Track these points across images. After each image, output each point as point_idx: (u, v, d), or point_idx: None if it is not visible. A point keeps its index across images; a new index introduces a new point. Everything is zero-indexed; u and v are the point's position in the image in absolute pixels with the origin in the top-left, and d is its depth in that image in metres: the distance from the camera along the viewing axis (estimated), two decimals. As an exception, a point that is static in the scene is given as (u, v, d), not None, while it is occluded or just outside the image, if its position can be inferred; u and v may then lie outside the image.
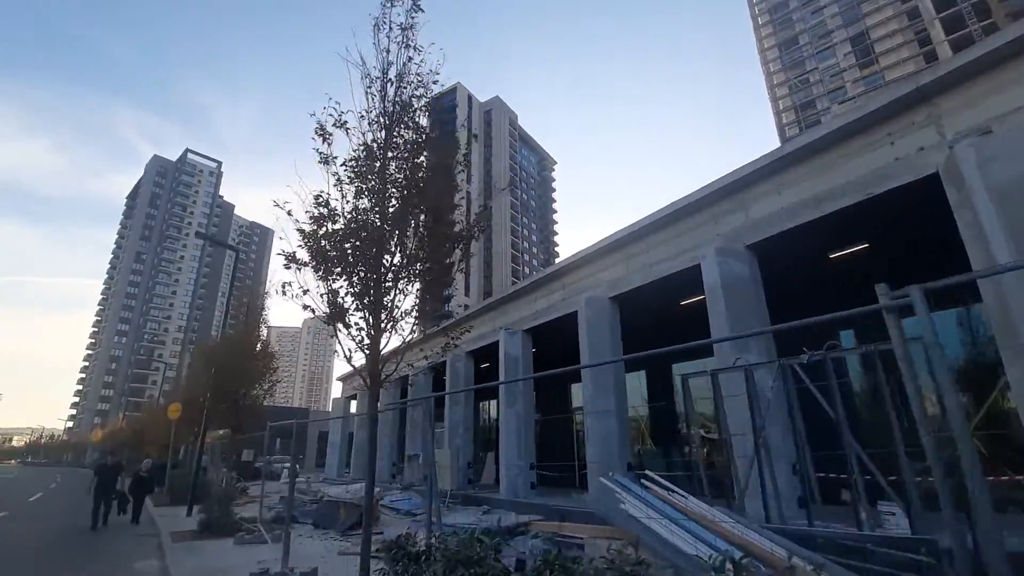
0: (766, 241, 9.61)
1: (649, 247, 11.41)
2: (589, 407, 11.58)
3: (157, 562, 9.00)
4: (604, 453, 11.14)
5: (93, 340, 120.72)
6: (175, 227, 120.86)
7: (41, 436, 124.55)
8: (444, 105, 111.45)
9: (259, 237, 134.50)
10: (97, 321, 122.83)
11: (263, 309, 13.24)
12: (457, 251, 5.56)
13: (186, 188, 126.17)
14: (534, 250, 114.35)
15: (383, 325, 5.17)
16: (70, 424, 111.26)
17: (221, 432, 22.27)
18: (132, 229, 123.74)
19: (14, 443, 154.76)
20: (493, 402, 24.41)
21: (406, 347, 5.45)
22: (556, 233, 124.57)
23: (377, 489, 13.90)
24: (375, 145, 5.47)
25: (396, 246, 5.29)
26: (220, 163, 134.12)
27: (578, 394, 19.66)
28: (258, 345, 13.02)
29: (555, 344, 15.85)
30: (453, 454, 15.25)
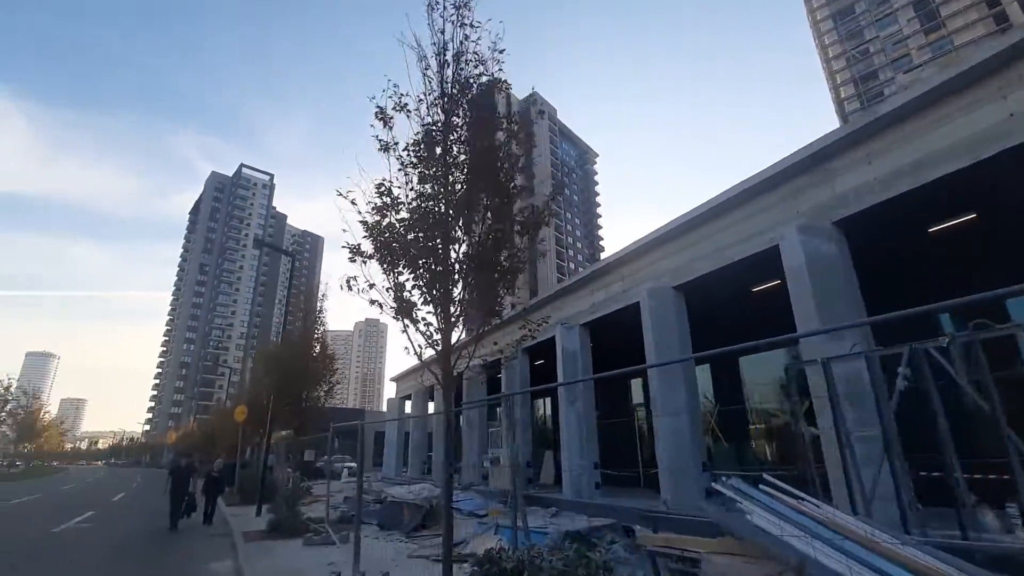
0: (855, 216, 8.68)
1: (718, 230, 10.61)
2: (658, 405, 10.92)
3: (231, 562, 9.08)
4: (676, 453, 10.47)
5: (164, 348, 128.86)
6: (233, 239, 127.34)
7: (123, 439, 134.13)
8: (481, 103, 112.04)
9: (311, 245, 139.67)
10: (168, 330, 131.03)
11: (321, 311, 13.34)
12: (526, 238, 5.13)
13: (242, 201, 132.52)
14: (579, 245, 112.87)
15: (453, 319, 4.82)
16: (147, 427, 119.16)
17: (284, 433, 22.93)
18: (195, 243, 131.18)
19: (99, 445, 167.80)
20: (547, 400, 23.96)
21: (476, 341, 5.07)
22: (600, 227, 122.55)
23: (437, 489, 13.73)
24: (435, 129, 5.12)
25: (463, 234, 4.92)
26: (272, 176, 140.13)
27: (638, 390, 18.93)
28: (317, 347, 13.11)
29: (613, 338, 15.22)
30: (512, 454, 14.90)
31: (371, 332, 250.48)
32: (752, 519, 3.28)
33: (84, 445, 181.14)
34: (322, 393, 13.05)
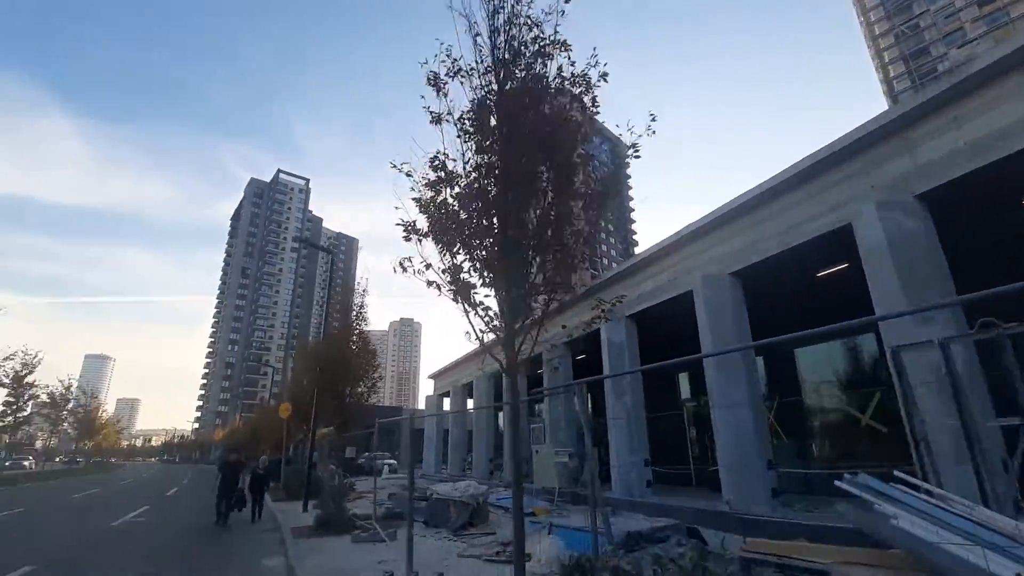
0: (940, 190, 7.84)
1: (781, 210, 9.87)
2: (716, 398, 10.27)
3: (282, 559, 8.99)
4: (738, 450, 9.81)
5: (211, 349, 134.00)
6: (273, 242, 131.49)
7: (174, 436, 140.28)
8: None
9: (346, 246, 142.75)
10: (213, 332, 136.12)
11: (362, 306, 13.22)
12: (591, 214, 4.67)
13: (279, 206, 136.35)
14: (612, 240, 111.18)
15: (515, 302, 4.42)
16: (196, 425, 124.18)
17: (325, 430, 23.14)
18: (236, 247, 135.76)
19: (153, 443, 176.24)
20: (587, 396, 23.40)
21: (540, 325, 4.65)
22: (633, 221, 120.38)
23: (483, 487, 13.41)
24: (489, 98, 4.72)
25: (523, 211, 4.51)
26: (308, 180, 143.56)
27: (687, 384, 18.16)
28: (359, 342, 12.99)
29: (659, 330, 14.57)
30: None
31: (405, 331, 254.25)
32: (900, 524, 2.75)
33: (139, 443, 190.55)
34: (365, 389, 12.93)
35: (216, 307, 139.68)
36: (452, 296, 4.44)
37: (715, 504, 10.49)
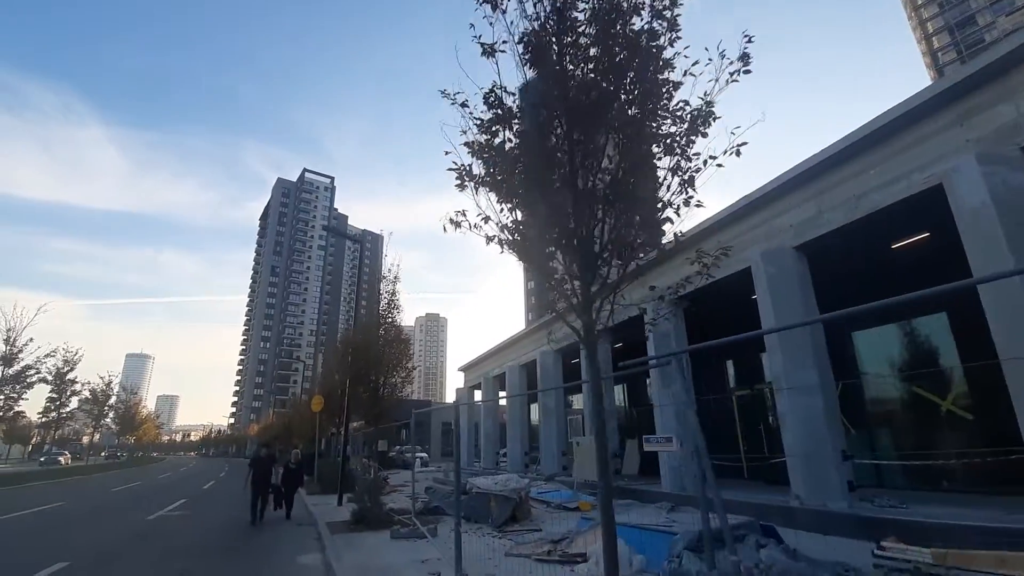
0: (1054, 138, 6.79)
1: (855, 173, 8.85)
2: (782, 383, 9.36)
3: (319, 556, 8.53)
4: (808, 439, 8.90)
5: (244, 347, 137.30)
6: (300, 241, 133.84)
7: (211, 432, 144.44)
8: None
9: (371, 243, 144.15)
10: (245, 330, 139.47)
11: (394, 294, 12.69)
12: (675, 157, 3.91)
13: (306, 204, 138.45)
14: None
15: (588, 260, 3.71)
16: (231, 420, 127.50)
17: (355, 424, 22.83)
18: (265, 247, 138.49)
19: (192, 437, 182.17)
20: (624, 386, 22.53)
21: (620, 286, 3.93)
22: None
23: (525, 481, 12.78)
24: (549, 23, 3.99)
25: (594, 152, 3.78)
26: (333, 178, 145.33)
27: (736, 372, 17.21)
28: (391, 332, 12.47)
29: (709, 312, 13.64)
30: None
31: (431, 327, 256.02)
32: None
33: (178, 438, 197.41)
34: (399, 380, 12.42)
35: (248, 305, 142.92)
36: (516, 254, 3.75)
37: (777, 498, 9.61)
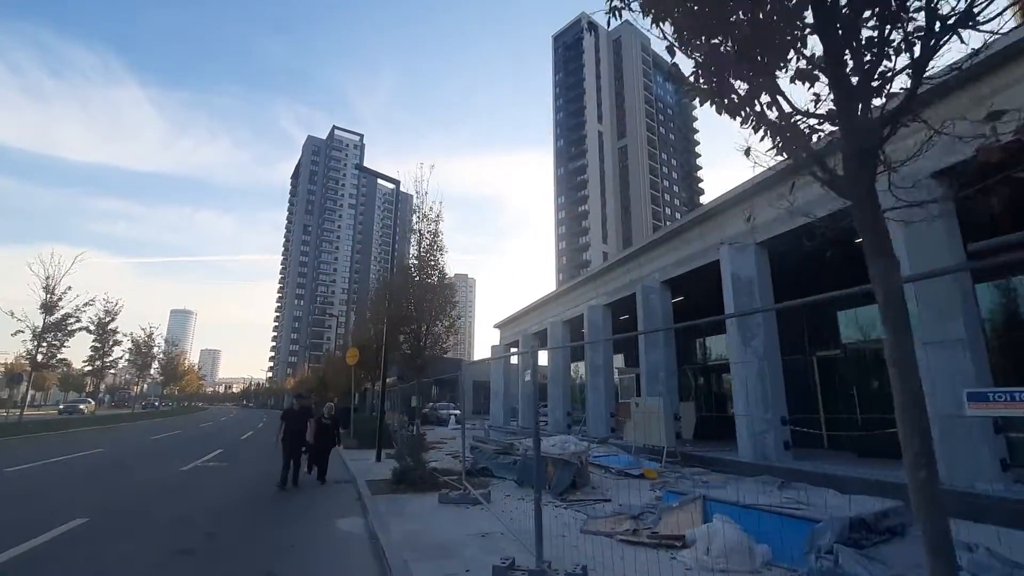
0: None
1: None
2: (926, 334, 7.57)
3: (360, 521, 7.50)
4: (951, 405, 7.21)
5: (279, 303, 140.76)
6: (332, 199, 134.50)
7: (251, 384, 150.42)
8: (567, 41, 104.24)
9: (400, 202, 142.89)
10: (280, 287, 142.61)
11: (436, 235, 11.27)
12: None
13: (336, 163, 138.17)
14: (676, 188, 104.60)
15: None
16: (269, 374, 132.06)
17: (391, 379, 22.04)
18: (297, 205, 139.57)
19: (234, 390, 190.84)
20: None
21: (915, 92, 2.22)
22: (700, 168, 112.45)
23: (583, 444, 11.53)
24: None
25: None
26: (362, 135, 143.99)
27: (816, 329, 15.33)
28: (434, 275, 11.11)
29: (792, 261, 11.77)
30: (666, 404, 12.16)
31: (460, 287, 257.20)
32: None
33: (221, 389, 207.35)
34: (442, 329, 11.14)
35: (282, 263, 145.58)
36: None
37: (892, 474, 8.05)
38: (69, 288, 24.71)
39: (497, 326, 31.47)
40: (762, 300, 10.93)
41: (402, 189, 13.73)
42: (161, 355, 49.33)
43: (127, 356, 42.59)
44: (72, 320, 25.13)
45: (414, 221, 11.39)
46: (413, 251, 11.25)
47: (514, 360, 30.50)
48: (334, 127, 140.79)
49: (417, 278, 11.04)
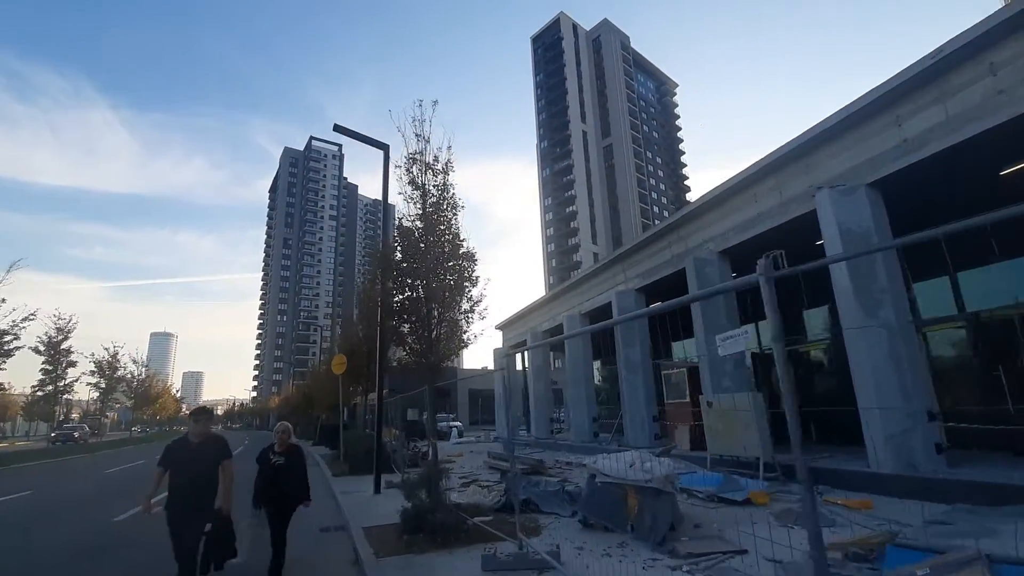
0: None
1: None
2: None
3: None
4: None
5: (261, 321, 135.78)
6: (311, 212, 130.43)
7: (234, 405, 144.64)
8: (547, 42, 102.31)
9: (384, 213, 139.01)
10: (262, 304, 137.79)
11: (445, 186, 8.38)
12: None
13: (315, 174, 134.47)
14: (662, 186, 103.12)
15: None
16: (253, 394, 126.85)
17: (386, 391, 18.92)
18: (277, 219, 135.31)
19: (218, 412, 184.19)
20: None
21: None
22: (685, 165, 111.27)
23: (666, 460, 8.65)
24: None
25: None
26: (341, 146, 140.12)
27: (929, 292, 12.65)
28: (447, 238, 8.17)
29: (908, 208, 9.12)
30: (757, 401, 9.24)
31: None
32: None
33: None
34: (460, 314, 8.20)
35: (263, 279, 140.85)
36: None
37: None
38: (3, 301, 21.19)
39: (499, 327, 28.52)
40: (885, 256, 8.24)
41: (393, 165, 10.79)
42: (128, 376, 45.00)
43: (89, 379, 38.59)
44: (9, 338, 21.59)
45: (414, 173, 8.48)
46: (415, 211, 8.35)
47: (519, 365, 27.56)
48: (312, 137, 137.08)
49: (423, 246, 8.12)
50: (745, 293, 12.74)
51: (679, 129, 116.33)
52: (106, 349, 40.61)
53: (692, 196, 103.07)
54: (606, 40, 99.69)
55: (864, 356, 8.07)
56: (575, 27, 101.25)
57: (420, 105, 8.64)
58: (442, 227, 8.11)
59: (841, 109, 9.12)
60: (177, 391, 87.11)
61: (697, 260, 12.14)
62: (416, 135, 8.52)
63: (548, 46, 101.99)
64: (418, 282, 8.01)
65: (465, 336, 8.34)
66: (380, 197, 11.21)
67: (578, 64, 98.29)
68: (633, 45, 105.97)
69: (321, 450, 24.24)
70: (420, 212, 8.18)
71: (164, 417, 67.31)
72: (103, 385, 40.03)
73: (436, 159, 8.56)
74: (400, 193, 8.53)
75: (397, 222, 8.49)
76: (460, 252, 8.24)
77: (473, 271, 8.26)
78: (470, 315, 8.22)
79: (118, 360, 40.98)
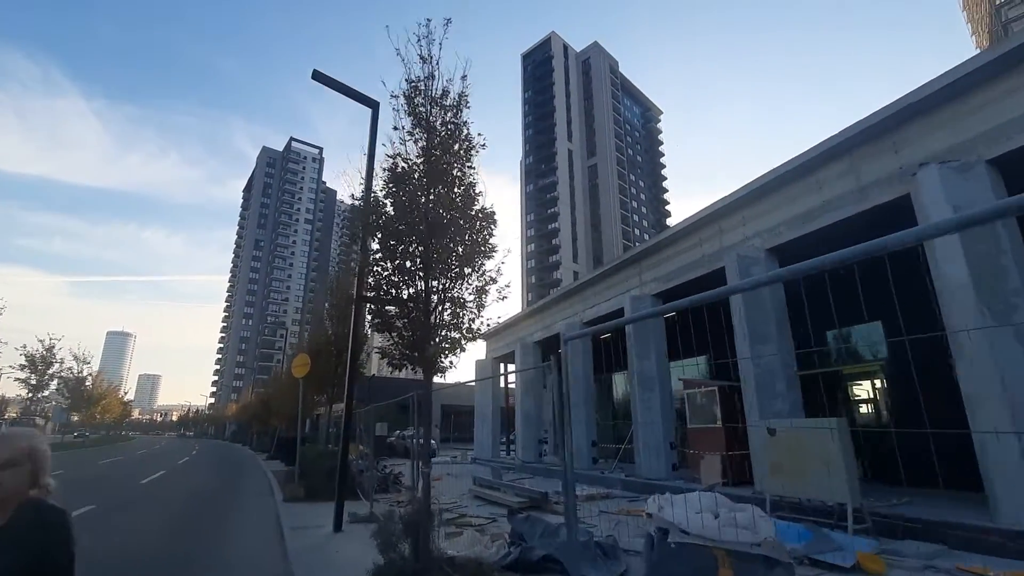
0: None
1: None
2: None
3: None
4: None
5: (225, 324, 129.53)
6: (286, 214, 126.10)
7: (189, 411, 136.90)
8: (537, 60, 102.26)
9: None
10: (227, 307, 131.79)
11: (460, 127, 6.27)
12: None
13: (293, 176, 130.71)
14: (643, 210, 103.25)
15: None
16: (211, 400, 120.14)
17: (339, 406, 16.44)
18: (249, 219, 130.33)
19: (173, 417, 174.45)
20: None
21: None
22: (666, 191, 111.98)
23: (765, 516, 6.53)
24: None
25: None
26: (321, 149, 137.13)
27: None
28: (458, 189, 5.99)
29: None
30: (842, 432, 7.20)
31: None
32: None
33: (159, 417, 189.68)
34: (475, 290, 5.95)
35: (230, 280, 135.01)
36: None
37: None
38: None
39: (484, 337, 26.19)
40: (1015, 248, 6.43)
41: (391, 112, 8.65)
42: (65, 372, 40.43)
43: (18, 374, 34.23)
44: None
45: (416, 104, 6.32)
46: (415, 150, 6.17)
47: (510, 377, 25.31)
48: (292, 139, 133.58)
49: (423, 199, 5.93)
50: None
51: (662, 155, 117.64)
52: (40, 341, 36.46)
53: (672, 222, 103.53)
54: (595, 62, 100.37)
55: (996, 369, 6.16)
56: (566, 48, 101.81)
57: (428, 24, 6.51)
58: (453, 174, 5.93)
59: (946, 73, 7.41)
60: (125, 393, 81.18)
61: (740, 258, 10.23)
62: (420, 57, 6.37)
63: (538, 64, 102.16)
64: (415, 246, 5.79)
65: (474, 324, 6.11)
66: (376, 111, 9.18)
67: (567, 83, 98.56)
68: (621, 70, 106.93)
69: (275, 465, 21.40)
70: (422, 153, 6.00)
71: (109, 420, 61.90)
72: (33, 381, 35.74)
73: (445, 92, 6.43)
74: (395, 128, 6.31)
75: (389, 168, 6.23)
76: (474, 210, 6.06)
77: (491, 236, 6.08)
78: (483, 295, 6.00)
79: (53, 354, 36.81)
